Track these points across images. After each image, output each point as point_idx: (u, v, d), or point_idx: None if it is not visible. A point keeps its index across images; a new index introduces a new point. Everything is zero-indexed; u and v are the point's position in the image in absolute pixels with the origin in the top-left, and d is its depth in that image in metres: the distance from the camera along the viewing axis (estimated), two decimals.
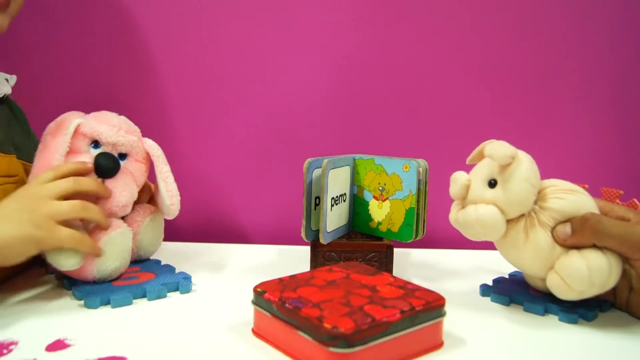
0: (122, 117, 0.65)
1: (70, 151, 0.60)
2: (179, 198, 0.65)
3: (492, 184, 0.53)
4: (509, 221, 0.53)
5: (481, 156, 0.56)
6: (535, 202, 0.53)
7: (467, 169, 0.57)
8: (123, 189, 0.61)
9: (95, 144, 0.62)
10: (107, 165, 0.60)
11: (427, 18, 0.87)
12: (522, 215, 0.53)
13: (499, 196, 0.52)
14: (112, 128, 0.62)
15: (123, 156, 0.63)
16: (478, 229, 0.53)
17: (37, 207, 0.53)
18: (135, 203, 0.66)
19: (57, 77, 0.89)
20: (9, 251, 0.51)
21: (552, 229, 0.52)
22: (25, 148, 0.68)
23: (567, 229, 0.51)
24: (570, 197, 0.52)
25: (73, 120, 0.61)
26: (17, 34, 0.89)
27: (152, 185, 0.72)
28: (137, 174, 0.64)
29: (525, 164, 0.52)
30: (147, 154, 0.66)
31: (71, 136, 0.60)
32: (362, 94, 0.89)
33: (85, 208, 0.55)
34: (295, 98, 0.89)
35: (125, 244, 0.61)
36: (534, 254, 0.52)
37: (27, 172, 0.67)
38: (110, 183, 0.60)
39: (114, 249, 0.59)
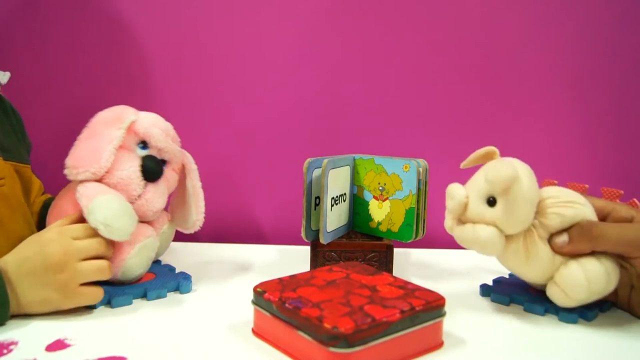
0: (169, 124, 0.64)
1: (120, 146, 0.59)
2: (204, 215, 0.66)
3: (491, 202, 0.52)
4: (508, 237, 0.52)
5: (477, 161, 0.55)
6: (535, 217, 0.52)
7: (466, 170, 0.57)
8: (160, 195, 0.61)
9: (144, 144, 0.61)
10: (156, 170, 0.60)
11: (427, 19, 0.87)
12: (522, 231, 0.52)
13: (499, 216, 0.51)
14: (162, 133, 0.61)
15: (163, 162, 0.63)
16: (476, 248, 0.53)
17: (64, 268, 0.52)
18: None
19: (55, 76, 0.89)
20: (30, 310, 0.52)
21: (550, 240, 0.52)
22: (16, 149, 0.67)
23: (564, 237, 0.51)
24: (569, 212, 0.51)
25: (129, 115, 0.60)
26: (14, 34, 0.89)
27: None
28: (171, 183, 0.64)
29: (525, 183, 0.51)
30: (182, 165, 0.66)
31: (125, 131, 0.59)
32: (362, 94, 0.89)
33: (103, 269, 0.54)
34: (295, 98, 0.89)
35: (154, 251, 0.62)
36: (535, 267, 0.52)
37: (19, 173, 0.66)
38: (151, 186, 0.60)
39: (145, 256, 0.60)
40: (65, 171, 0.57)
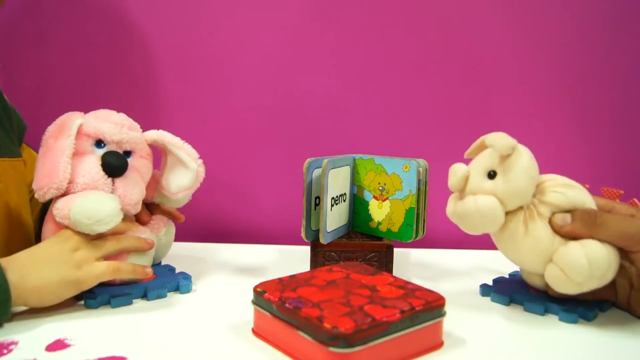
0: (122, 114, 0.63)
1: (75, 153, 0.58)
2: (202, 161, 0.65)
3: (492, 175, 0.53)
4: (507, 214, 0.53)
5: (480, 149, 0.56)
6: (534, 196, 0.53)
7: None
8: (133, 186, 0.60)
9: (99, 143, 0.60)
10: (117, 164, 0.59)
11: (427, 18, 0.87)
12: (521, 208, 0.53)
13: (499, 187, 0.52)
14: (115, 126, 0.60)
15: (128, 154, 0.62)
16: (477, 220, 0.52)
17: (80, 246, 0.54)
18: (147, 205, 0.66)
19: (55, 75, 0.89)
20: (48, 294, 0.52)
21: (550, 218, 0.52)
22: (5, 144, 0.66)
23: (566, 217, 0.51)
24: (569, 192, 0.52)
25: (74, 120, 0.59)
26: (14, 31, 0.89)
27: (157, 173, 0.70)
28: (143, 171, 0.63)
29: (525, 156, 0.52)
30: (151, 149, 0.65)
31: (74, 137, 0.58)
32: (362, 94, 0.89)
33: (120, 241, 0.57)
34: (295, 98, 0.89)
35: (152, 249, 0.62)
36: (533, 246, 0.52)
37: (13, 167, 0.65)
38: (120, 182, 0.59)
39: (143, 254, 0.60)
40: (35, 195, 0.57)
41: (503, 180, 0.52)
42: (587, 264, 0.48)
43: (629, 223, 0.50)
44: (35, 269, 0.51)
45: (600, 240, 0.50)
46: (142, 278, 0.58)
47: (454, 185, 0.55)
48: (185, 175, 0.65)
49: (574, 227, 0.50)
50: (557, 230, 0.51)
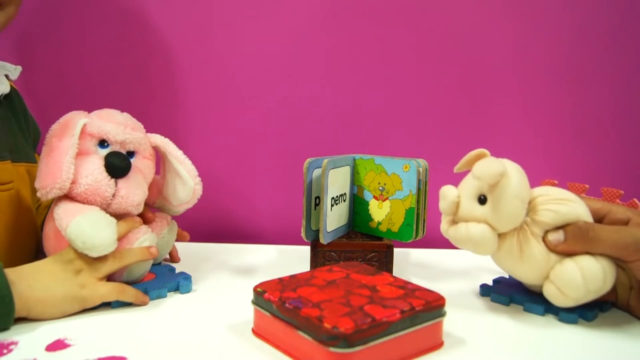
0: (126, 114, 0.63)
1: (78, 152, 0.58)
2: (200, 179, 0.65)
3: (482, 200, 0.52)
4: (501, 235, 0.53)
5: (469, 164, 0.55)
6: (527, 214, 0.52)
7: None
8: (136, 187, 0.60)
9: (102, 143, 0.60)
10: (120, 165, 0.58)
11: (426, 19, 0.87)
12: (515, 229, 0.52)
13: (489, 214, 0.51)
14: (119, 126, 0.60)
15: (131, 154, 0.62)
16: (470, 247, 0.53)
17: (82, 269, 0.54)
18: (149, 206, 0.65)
19: (61, 74, 0.89)
20: (51, 307, 0.52)
21: (544, 237, 0.52)
22: (23, 148, 0.67)
23: (559, 235, 0.51)
24: (562, 209, 0.51)
25: (78, 120, 0.59)
26: (23, 31, 0.89)
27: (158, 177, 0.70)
28: (146, 171, 0.63)
29: (514, 179, 0.51)
30: (153, 150, 0.65)
31: (78, 137, 0.58)
32: (362, 94, 0.89)
33: (122, 258, 0.57)
34: (295, 98, 0.89)
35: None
36: (529, 266, 0.52)
37: (29, 172, 0.66)
38: (122, 182, 0.59)
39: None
40: (37, 194, 0.57)
41: (494, 207, 0.51)
42: (582, 281, 0.49)
43: (623, 233, 0.49)
44: (40, 282, 0.51)
45: (596, 254, 0.50)
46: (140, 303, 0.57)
47: (445, 210, 0.55)
48: (182, 189, 0.65)
49: (567, 245, 0.50)
50: (552, 249, 0.51)
